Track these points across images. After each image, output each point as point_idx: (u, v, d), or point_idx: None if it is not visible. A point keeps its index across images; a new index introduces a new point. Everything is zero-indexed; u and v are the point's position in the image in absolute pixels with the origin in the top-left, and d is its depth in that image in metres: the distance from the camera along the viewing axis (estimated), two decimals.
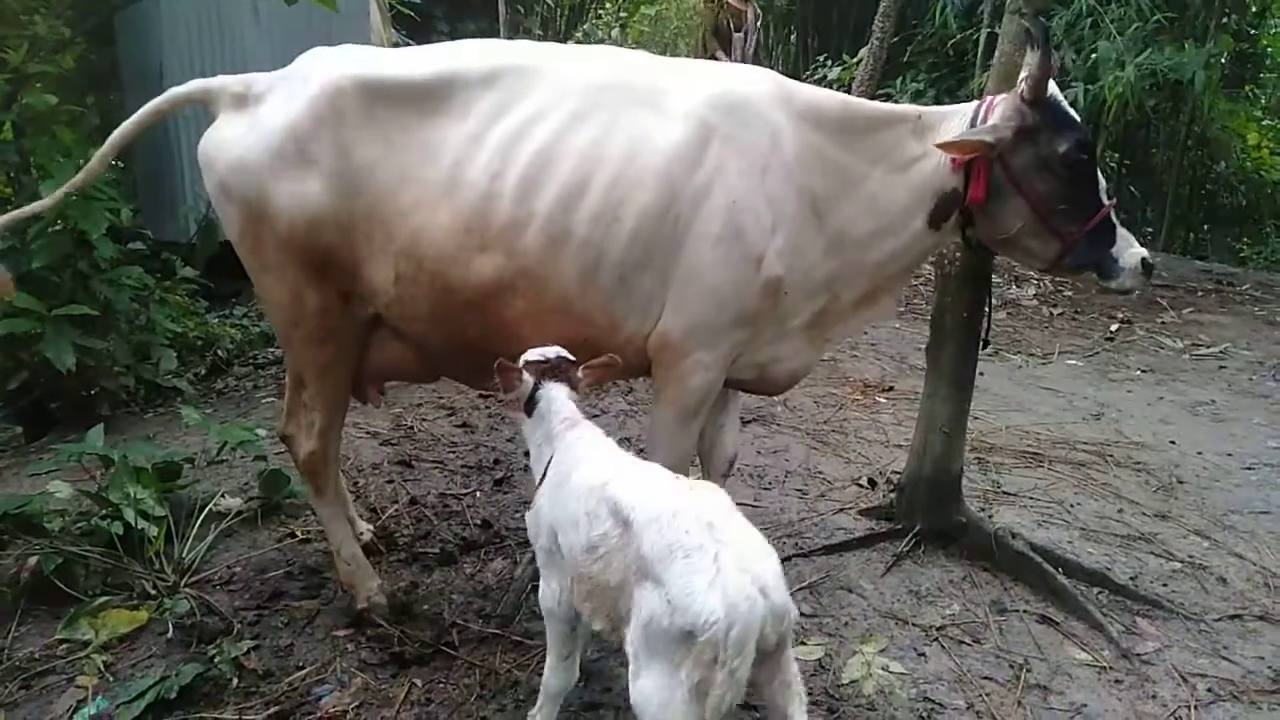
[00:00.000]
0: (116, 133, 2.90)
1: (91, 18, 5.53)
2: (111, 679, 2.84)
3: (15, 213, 3.00)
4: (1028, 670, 2.92)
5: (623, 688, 2.67)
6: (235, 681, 2.82)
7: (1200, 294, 8.87)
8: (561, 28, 14.39)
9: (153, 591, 3.21)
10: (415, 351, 2.96)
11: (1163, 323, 7.66)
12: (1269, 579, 3.53)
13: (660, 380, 2.83)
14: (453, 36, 12.50)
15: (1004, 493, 4.16)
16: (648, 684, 1.87)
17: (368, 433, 4.64)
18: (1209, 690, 2.86)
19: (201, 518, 3.51)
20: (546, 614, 2.36)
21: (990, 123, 2.68)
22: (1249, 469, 4.67)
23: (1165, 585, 3.46)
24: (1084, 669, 2.95)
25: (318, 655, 2.98)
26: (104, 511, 3.36)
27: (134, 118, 2.89)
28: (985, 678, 2.89)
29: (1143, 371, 6.45)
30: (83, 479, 3.84)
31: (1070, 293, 8.34)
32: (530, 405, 2.37)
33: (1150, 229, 12.73)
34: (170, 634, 3.01)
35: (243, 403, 5.25)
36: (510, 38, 12.24)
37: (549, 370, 2.37)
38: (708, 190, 2.64)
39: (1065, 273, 2.92)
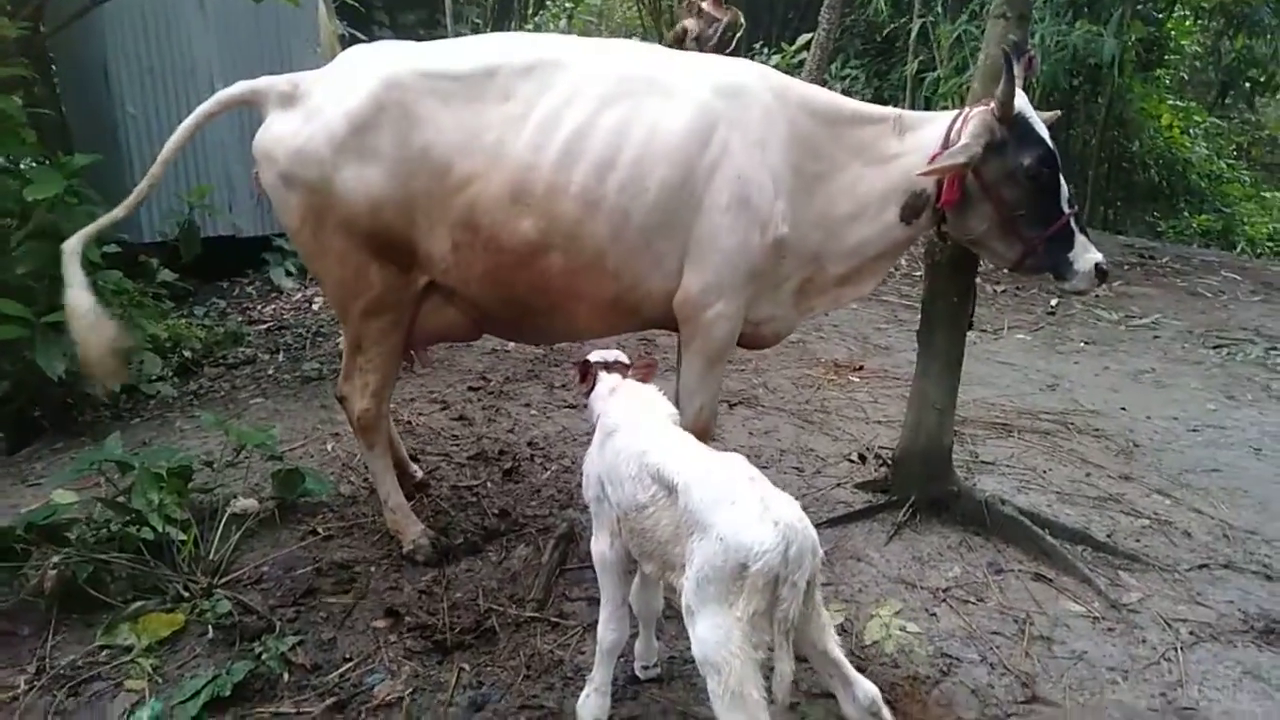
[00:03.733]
0: (171, 141, 3.12)
1: (50, 25, 5.37)
2: (160, 680, 2.89)
3: (97, 223, 3.22)
4: (1030, 624, 3.19)
5: (663, 659, 2.88)
6: (286, 676, 2.90)
7: (1126, 267, 9.42)
8: (490, 18, 14.34)
9: (185, 594, 3.24)
10: (464, 314, 3.30)
11: (1097, 296, 8.12)
12: (1227, 531, 3.89)
13: (687, 333, 3.20)
14: (393, 28, 12.50)
15: (982, 462, 4.45)
16: (704, 628, 2.06)
17: None
18: (1190, 633, 3.16)
19: (224, 520, 3.54)
20: (599, 563, 2.58)
21: (963, 140, 3.00)
22: (1194, 431, 5.08)
23: (1138, 541, 3.78)
24: (1079, 620, 3.23)
25: (362, 647, 3.07)
26: (125, 518, 3.37)
27: (185, 124, 3.14)
28: (993, 633, 3.15)
29: (1086, 343, 6.87)
30: (86, 486, 3.84)
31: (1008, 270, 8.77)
32: (590, 390, 2.78)
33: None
34: (211, 634, 3.06)
35: (230, 404, 5.22)
36: (455, 28, 12.18)
37: (605, 367, 2.78)
38: (716, 166, 3.01)
39: (1026, 273, 3.30)
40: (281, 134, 3.04)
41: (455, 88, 3.01)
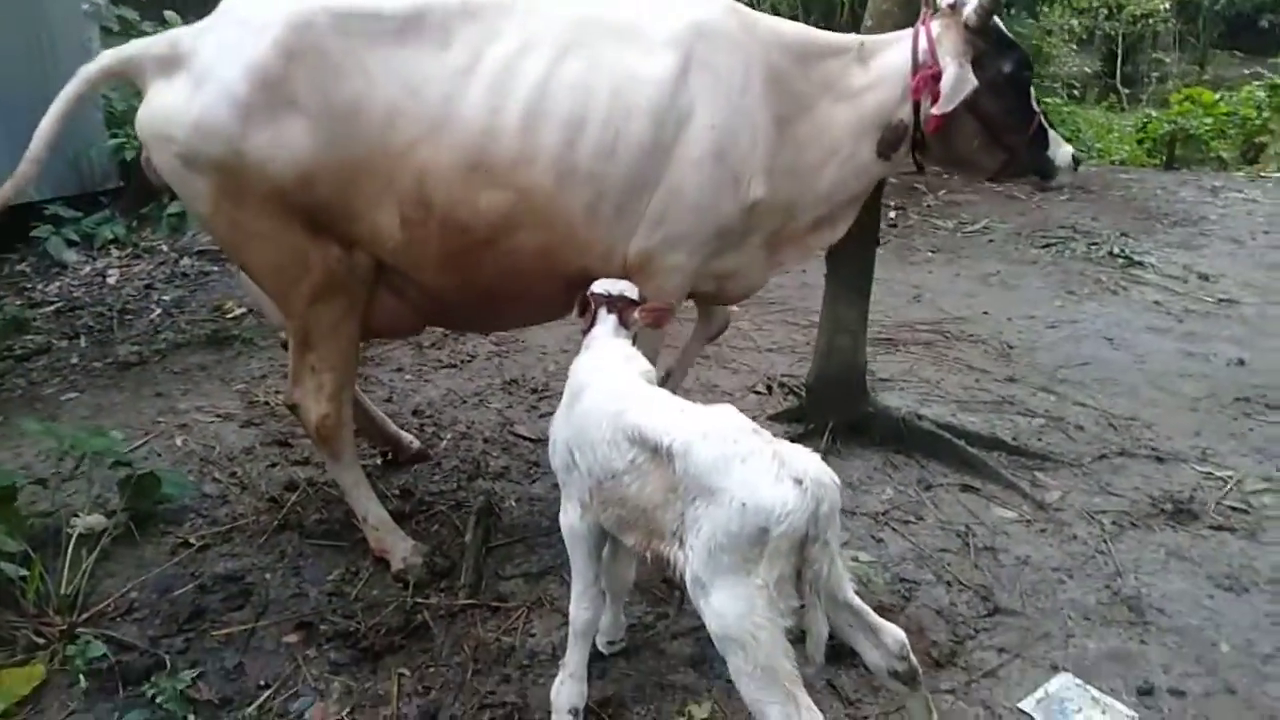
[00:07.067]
0: (43, 128, 2.60)
1: None
2: None
3: None
4: (972, 536, 3.21)
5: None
6: (191, 717, 2.46)
7: (945, 176, 9.82)
8: None
9: (41, 640, 2.69)
10: (411, 303, 2.87)
11: (929, 206, 8.44)
12: (1111, 420, 4.10)
13: (637, 282, 2.85)
14: None
15: (880, 379, 4.46)
16: (721, 600, 1.85)
17: (219, 415, 4.10)
18: (1113, 523, 3.29)
19: (71, 545, 2.95)
20: (569, 537, 2.34)
21: (949, 63, 2.76)
22: (1053, 327, 5.35)
23: (1040, 439, 3.91)
24: (1014, 526, 3.29)
25: (277, 669, 2.66)
26: None
27: (56, 108, 2.60)
28: (941, 550, 3.14)
29: (932, 252, 7.10)
30: None
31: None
32: (590, 328, 2.49)
33: None
34: (84, 683, 2.55)
35: (36, 404, 4.42)
36: None
37: (608, 302, 2.47)
38: (689, 115, 2.70)
39: (1007, 179, 3.20)
40: (170, 107, 2.51)
41: (380, 29, 2.52)
